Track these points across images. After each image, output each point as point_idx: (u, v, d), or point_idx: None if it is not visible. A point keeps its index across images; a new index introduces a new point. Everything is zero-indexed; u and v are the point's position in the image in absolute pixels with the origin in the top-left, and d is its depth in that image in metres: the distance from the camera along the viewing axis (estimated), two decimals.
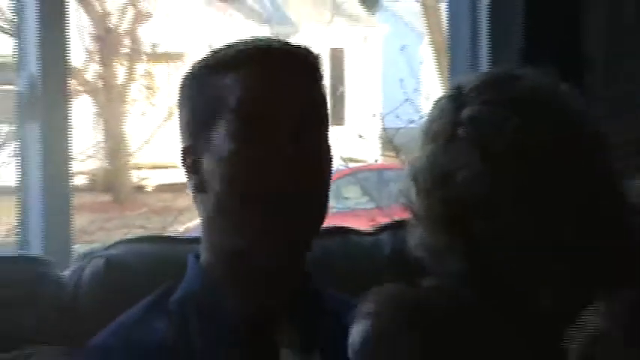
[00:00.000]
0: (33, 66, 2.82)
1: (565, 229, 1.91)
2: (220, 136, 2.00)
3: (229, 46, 2.10)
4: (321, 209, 2.08)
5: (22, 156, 2.86)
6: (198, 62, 2.10)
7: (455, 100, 1.96)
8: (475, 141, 1.92)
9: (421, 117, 5.84)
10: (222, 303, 2.10)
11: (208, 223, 2.08)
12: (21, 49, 2.88)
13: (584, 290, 1.91)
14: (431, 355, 1.87)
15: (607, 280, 1.94)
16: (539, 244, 1.91)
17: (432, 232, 2.02)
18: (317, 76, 2.09)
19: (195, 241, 2.21)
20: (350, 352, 1.91)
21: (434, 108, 1.96)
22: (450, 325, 1.89)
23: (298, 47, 2.10)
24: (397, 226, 2.54)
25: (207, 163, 2.04)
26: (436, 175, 1.99)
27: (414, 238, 2.02)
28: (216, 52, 2.11)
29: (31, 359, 2.26)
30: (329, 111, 2.15)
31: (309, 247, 2.07)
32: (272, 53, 2.07)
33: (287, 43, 2.14)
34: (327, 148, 2.10)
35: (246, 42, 2.09)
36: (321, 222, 2.07)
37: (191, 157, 2.06)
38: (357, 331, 1.90)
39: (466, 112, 1.93)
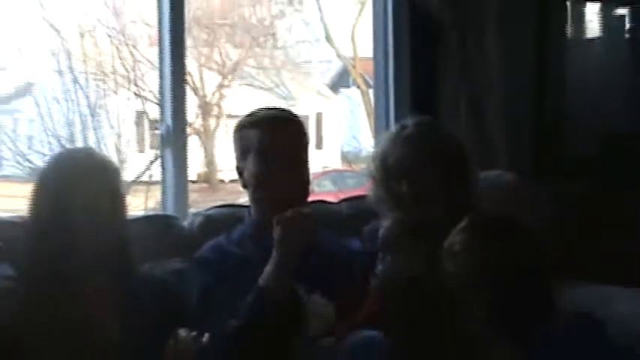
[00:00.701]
0: (168, 119, 3.67)
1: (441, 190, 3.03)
2: (250, 161, 3.01)
3: (254, 113, 3.07)
4: (303, 201, 3.01)
5: (163, 167, 3.72)
6: (239, 121, 3.10)
7: (400, 127, 3.13)
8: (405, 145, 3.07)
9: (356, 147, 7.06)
10: (257, 237, 3.03)
11: (250, 200, 3.08)
12: (160, 107, 3.74)
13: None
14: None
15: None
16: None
17: (380, 188, 3.13)
18: (301, 130, 3.09)
19: (247, 207, 3.14)
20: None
21: (387, 133, 3.19)
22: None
23: (291, 113, 3.13)
24: (350, 200, 3.67)
25: (246, 174, 3.05)
26: (382, 159, 3.12)
27: (373, 194, 3.18)
28: (247, 116, 3.09)
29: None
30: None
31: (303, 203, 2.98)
32: (276, 117, 3.07)
33: (285, 111, 3.17)
34: (308, 162, 3.07)
35: (263, 110, 3.11)
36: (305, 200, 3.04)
37: (239, 171, 3.08)
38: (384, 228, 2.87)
39: (405, 132, 3.11)
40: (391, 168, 3.14)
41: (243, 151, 3.07)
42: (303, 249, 2.83)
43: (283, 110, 3.20)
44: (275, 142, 3.02)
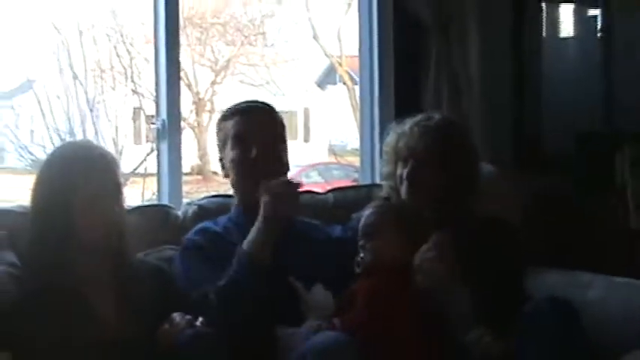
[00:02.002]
0: (164, 114, 3.66)
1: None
2: (228, 150, 3.05)
3: (234, 105, 3.13)
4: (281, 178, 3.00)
5: (158, 159, 3.70)
6: (221, 113, 3.16)
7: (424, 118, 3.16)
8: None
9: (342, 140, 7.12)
10: (242, 219, 3.03)
11: (232, 186, 3.11)
12: (156, 103, 3.73)
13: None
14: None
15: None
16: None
17: (388, 165, 3.18)
18: (275, 117, 3.13)
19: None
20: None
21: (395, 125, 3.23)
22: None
23: (265, 103, 3.19)
24: (336, 190, 3.65)
25: (226, 163, 3.09)
26: (393, 144, 3.15)
27: (384, 171, 3.23)
28: (227, 109, 3.15)
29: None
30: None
31: None
32: (249, 107, 3.11)
33: (259, 101, 3.21)
34: (285, 149, 3.10)
35: (242, 102, 3.15)
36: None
37: (221, 161, 3.13)
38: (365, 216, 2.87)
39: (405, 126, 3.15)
40: (400, 151, 3.15)
41: (222, 141, 3.11)
42: (288, 217, 2.86)
43: (257, 101, 3.22)
44: (249, 128, 3.05)
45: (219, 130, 3.15)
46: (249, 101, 3.21)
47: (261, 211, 2.83)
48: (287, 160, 3.15)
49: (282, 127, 3.17)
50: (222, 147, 3.13)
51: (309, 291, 2.85)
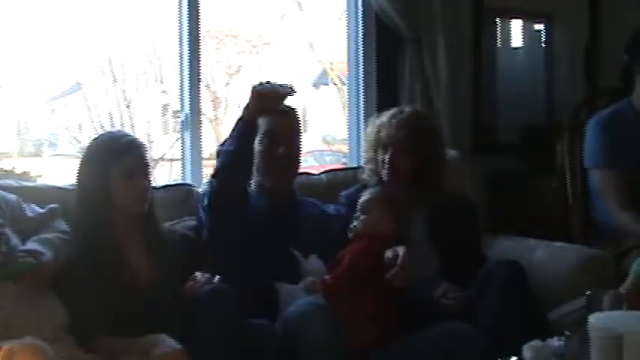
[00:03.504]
0: (187, 109, 3.60)
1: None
2: (258, 142, 2.98)
3: None
4: (295, 171, 3.10)
5: (182, 147, 3.65)
6: None
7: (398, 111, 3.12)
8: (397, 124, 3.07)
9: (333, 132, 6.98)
10: (260, 203, 3.00)
11: (255, 172, 3.01)
12: (181, 100, 3.64)
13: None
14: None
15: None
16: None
17: (369, 152, 3.15)
18: (297, 117, 3.11)
19: None
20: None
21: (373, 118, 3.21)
22: None
23: (290, 107, 3.08)
24: (328, 172, 3.64)
25: (256, 150, 2.98)
26: (374, 133, 3.13)
27: (365, 157, 3.21)
28: None
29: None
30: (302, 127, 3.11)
31: (294, 179, 3.08)
32: (282, 111, 3.01)
33: (289, 106, 3.07)
34: (300, 146, 3.11)
35: None
36: (296, 174, 3.11)
37: None
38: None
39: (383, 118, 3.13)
40: (380, 139, 3.11)
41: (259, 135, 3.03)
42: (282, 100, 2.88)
43: (286, 105, 3.09)
44: (279, 128, 3.01)
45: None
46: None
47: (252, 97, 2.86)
48: (300, 155, 3.13)
49: (301, 127, 3.14)
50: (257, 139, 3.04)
51: (306, 259, 2.86)
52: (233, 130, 2.87)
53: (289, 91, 2.87)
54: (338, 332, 2.52)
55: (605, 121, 3.60)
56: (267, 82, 2.86)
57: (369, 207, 2.88)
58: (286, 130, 3.01)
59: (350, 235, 2.86)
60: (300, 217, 3.01)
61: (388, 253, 2.72)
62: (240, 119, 2.86)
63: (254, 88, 2.85)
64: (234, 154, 2.83)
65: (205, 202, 2.89)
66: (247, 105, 2.85)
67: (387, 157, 3.08)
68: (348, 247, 2.82)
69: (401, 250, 2.69)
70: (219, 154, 2.87)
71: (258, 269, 2.80)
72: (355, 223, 2.87)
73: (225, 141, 2.88)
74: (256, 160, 2.99)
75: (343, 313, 2.59)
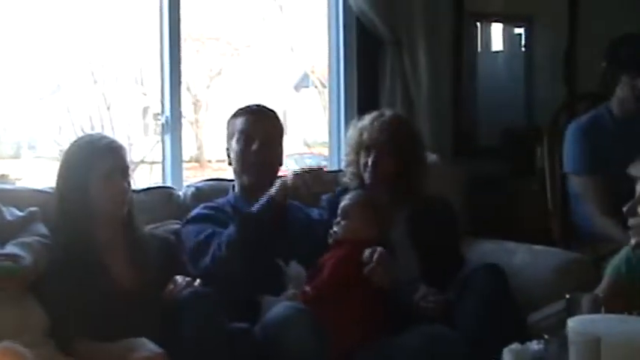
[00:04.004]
0: (167, 112, 3.60)
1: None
2: (234, 143, 3.02)
3: (244, 106, 3.09)
4: (275, 171, 3.05)
5: (163, 149, 3.63)
6: (232, 113, 3.12)
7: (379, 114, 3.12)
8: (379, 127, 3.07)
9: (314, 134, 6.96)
10: (240, 203, 3.02)
11: (234, 173, 3.09)
12: (161, 103, 3.61)
13: None
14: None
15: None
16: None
17: (350, 155, 3.15)
18: (275, 120, 3.11)
19: (230, 180, 3.14)
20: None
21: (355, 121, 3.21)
22: None
23: (268, 107, 3.13)
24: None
25: (232, 154, 3.05)
26: (356, 136, 3.13)
27: (346, 159, 3.19)
28: (238, 109, 3.11)
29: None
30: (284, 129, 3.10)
31: (273, 179, 2.92)
32: (255, 109, 3.10)
33: (265, 106, 3.15)
34: (281, 147, 3.10)
35: (250, 104, 3.09)
36: (276, 174, 3.04)
37: (227, 151, 3.11)
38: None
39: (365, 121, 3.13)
40: (363, 142, 3.11)
41: (230, 135, 3.07)
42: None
43: (262, 105, 3.15)
44: (253, 126, 3.01)
45: (229, 125, 3.10)
46: (257, 104, 3.14)
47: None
48: (281, 156, 3.11)
49: (281, 129, 3.12)
50: (229, 140, 3.08)
51: (287, 265, 2.84)
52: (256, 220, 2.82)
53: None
54: (319, 336, 2.51)
55: (584, 127, 3.63)
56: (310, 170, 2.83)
57: (350, 212, 2.87)
58: (262, 128, 3.01)
59: (330, 240, 2.85)
60: (287, 220, 2.98)
61: (366, 253, 2.72)
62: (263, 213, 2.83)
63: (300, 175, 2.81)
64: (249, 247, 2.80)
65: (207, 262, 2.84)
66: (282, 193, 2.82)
67: (370, 159, 3.07)
68: (328, 254, 2.82)
69: (379, 248, 2.71)
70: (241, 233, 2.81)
71: (243, 277, 2.78)
72: (336, 228, 2.87)
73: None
74: (234, 161, 3.01)
75: (325, 318, 2.58)
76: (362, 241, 2.80)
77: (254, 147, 2.96)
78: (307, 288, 2.71)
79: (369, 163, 3.07)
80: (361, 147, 3.13)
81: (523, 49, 4.59)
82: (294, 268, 2.82)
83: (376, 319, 2.74)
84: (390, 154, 3.07)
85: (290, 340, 2.46)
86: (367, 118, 3.18)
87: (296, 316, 2.52)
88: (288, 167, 3.38)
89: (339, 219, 2.88)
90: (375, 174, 3.07)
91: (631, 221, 2.20)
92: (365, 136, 3.12)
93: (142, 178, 5.78)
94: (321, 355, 2.50)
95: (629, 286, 2.34)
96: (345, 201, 2.91)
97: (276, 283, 2.79)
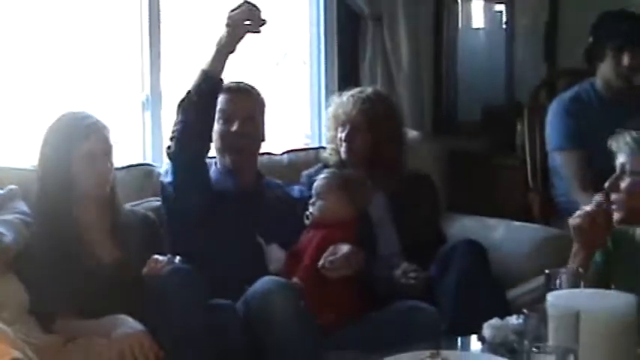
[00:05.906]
0: (147, 88, 3.55)
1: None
2: (216, 120, 2.94)
3: (226, 84, 2.90)
4: (256, 149, 3.05)
5: (143, 126, 3.56)
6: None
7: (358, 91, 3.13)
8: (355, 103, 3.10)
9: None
10: (224, 180, 3.00)
11: (216, 151, 3.03)
12: (142, 81, 3.55)
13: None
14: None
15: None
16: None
17: (330, 131, 3.18)
18: (256, 94, 3.05)
19: (212, 157, 3.03)
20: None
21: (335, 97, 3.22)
22: None
23: (247, 84, 3.08)
24: (289, 152, 3.59)
25: (213, 133, 2.92)
26: (334, 112, 3.14)
27: (327, 136, 3.24)
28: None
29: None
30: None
31: (254, 160, 3.04)
32: (234, 87, 3.02)
33: (246, 84, 3.08)
34: (263, 122, 3.05)
35: (231, 82, 2.99)
36: (257, 152, 3.06)
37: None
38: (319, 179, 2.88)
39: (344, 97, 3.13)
40: (338, 118, 3.11)
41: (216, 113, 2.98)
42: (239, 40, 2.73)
43: (243, 82, 3.09)
44: (232, 106, 2.97)
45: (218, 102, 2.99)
46: (237, 82, 3.05)
47: (225, 33, 2.71)
48: (263, 132, 3.07)
49: (262, 104, 3.06)
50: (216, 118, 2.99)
51: (268, 246, 2.85)
52: (200, 84, 2.76)
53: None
54: (303, 308, 2.52)
55: (568, 103, 3.62)
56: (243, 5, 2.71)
57: (322, 193, 2.85)
58: (241, 107, 2.98)
59: (307, 222, 2.83)
60: (265, 197, 2.99)
61: (322, 261, 2.70)
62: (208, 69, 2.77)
63: (232, 14, 2.72)
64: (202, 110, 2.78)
65: (171, 153, 2.84)
66: (225, 38, 2.72)
67: (343, 134, 3.05)
68: (307, 235, 2.80)
69: (345, 247, 2.71)
70: (185, 102, 2.79)
71: (223, 254, 2.77)
72: (311, 209, 2.85)
73: (189, 92, 2.79)
74: (215, 140, 2.97)
75: (307, 300, 2.57)
76: (339, 222, 2.78)
77: (234, 127, 2.93)
78: (296, 280, 2.68)
79: (343, 138, 3.06)
80: (338, 122, 3.12)
81: (504, 25, 4.57)
82: (276, 252, 2.82)
83: (358, 298, 2.75)
84: (363, 130, 3.06)
85: (274, 311, 2.46)
86: (346, 95, 3.17)
87: (279, 287, 2.52)
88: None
89: (313, 199, 2.86)
90: (349, 149, 3.07)
91: (613, 197, 2.19)
92: (340, 111, 3.12)
93: (121, 157, 5.72)
94: (307, 325, 2.49)
95: (605, 266, 2.34)
96: (318, 180, 2.90)
97: (257, 261, 2.79)
